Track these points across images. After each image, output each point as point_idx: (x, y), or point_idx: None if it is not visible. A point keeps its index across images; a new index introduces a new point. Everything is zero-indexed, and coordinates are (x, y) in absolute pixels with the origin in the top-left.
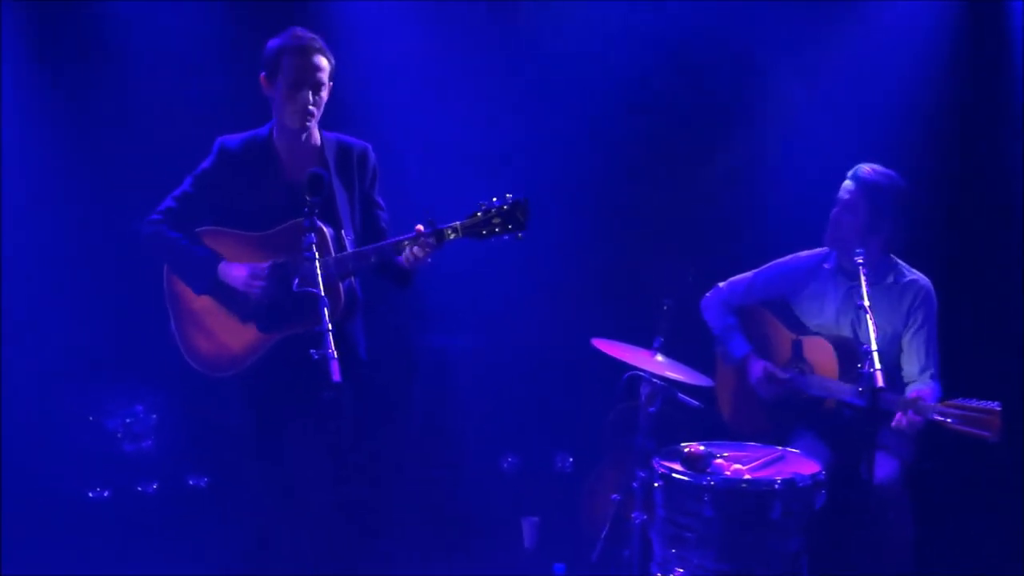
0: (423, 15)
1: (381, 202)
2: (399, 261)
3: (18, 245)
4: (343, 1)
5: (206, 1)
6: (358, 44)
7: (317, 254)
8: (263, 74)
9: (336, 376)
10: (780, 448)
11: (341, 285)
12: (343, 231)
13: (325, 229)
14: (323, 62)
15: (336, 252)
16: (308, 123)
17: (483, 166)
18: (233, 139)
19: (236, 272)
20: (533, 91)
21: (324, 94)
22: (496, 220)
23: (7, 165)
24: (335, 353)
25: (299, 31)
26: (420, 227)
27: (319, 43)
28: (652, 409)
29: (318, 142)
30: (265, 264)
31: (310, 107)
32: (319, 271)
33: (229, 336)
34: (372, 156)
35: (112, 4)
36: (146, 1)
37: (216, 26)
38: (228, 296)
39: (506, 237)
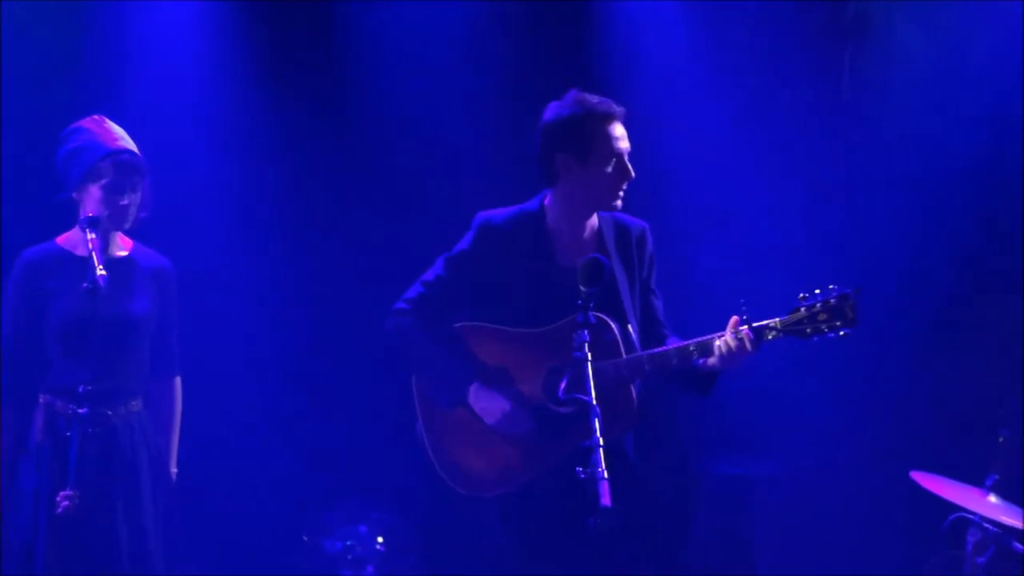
0: (725, 79)
1: (657, 290)
2: (698, 363)
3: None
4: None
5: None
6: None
7: (590, 355)
8: (562, 153)
9: (605, 499)
10: None
11: (633, 388)
12: (629, 325)
13: (613, 324)
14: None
15: (627, 351)
16: (618, 204)
17: (794, 256)
18: (498, 215)
19: (489, 408)
20: (861, 172)
21: None
22: (822, 316)
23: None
24: (605, 472)
25: (586, 95)
26: (736, 318)
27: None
28: (981, 560)
29: (596, 223)
30: (530, 408)
31: (629, 181)
32: (590, 375)
33: (500, 446)
34: (650, 238)
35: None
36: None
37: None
38: None
39: (831, 336)
